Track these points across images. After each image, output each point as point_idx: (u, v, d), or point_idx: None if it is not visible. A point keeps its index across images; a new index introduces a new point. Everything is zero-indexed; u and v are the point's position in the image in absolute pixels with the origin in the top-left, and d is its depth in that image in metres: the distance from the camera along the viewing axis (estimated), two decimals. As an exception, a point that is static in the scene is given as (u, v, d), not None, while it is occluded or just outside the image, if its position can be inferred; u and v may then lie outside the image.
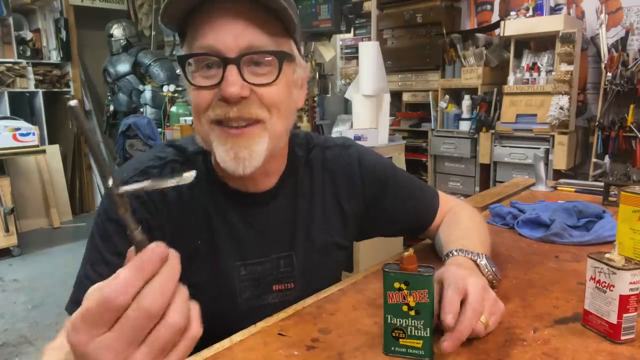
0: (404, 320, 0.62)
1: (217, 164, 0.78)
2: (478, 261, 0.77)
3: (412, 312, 0.61)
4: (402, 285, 0.61)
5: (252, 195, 0.81)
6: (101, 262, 0.72)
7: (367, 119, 2.73)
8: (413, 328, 0.62)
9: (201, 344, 0.59)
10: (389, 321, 0.63)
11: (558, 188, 1.61)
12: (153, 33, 5.72)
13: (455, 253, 0.79)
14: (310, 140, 0.92)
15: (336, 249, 0.90)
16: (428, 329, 0.62)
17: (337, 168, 0.90)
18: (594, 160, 2.94)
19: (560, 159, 2.94)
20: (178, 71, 5.17)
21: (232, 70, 0.68)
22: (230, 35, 0.68)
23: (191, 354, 0.50)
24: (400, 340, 0.63)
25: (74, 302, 0.72)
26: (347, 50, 4.38)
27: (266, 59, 0.70)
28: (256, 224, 0.82)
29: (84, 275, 0.73)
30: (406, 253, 0.62)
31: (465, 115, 3.39)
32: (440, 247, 0.91)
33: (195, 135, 0.81)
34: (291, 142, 0.86)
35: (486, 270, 0.77)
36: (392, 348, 0.63)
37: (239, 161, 0.70)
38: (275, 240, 0.83)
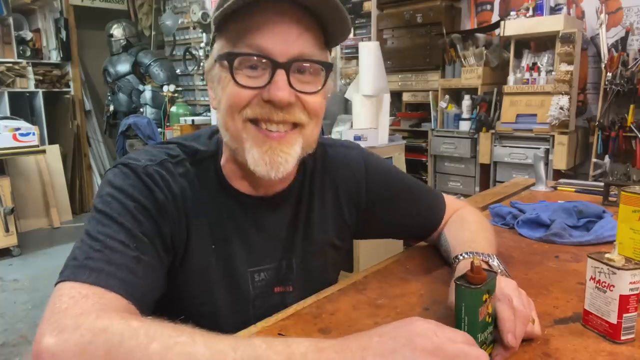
0: (487, 331, 0.59)
1: (227, 166, 0.77)
2: (490, 262, 0.77)
3: (489, 319, 0.59)
4: (486, 296, 0.58)
5: (261, 198, 0.79)
6: (127, 235, 0.65)
7: (367, 119, 2.72)
8: (490, 335, 0.60)
9: None
10: (478, 340, 0.57)
11: (558, 188, 1.61)
12: (153, 33, 5.72)
13: (471, 255, 0.78)
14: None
15: (332, 249, 0.89)
16: (495, 329, 0.60)
17: (339, 167, 0.88)
18: (594, 160, 2.94)
19: (560, 159, 2.94)
20: (178, 71, 5.13)
21: (281, 75, 0.68)
22: (284, 39, 0.67)
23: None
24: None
25: (85, 268, 0.60)
26: (347, 50, 4.38)
27: (313, 68, 0.71)
28: (267, 228, 0.80)
29: (103, 246, 0.62)
30: (475, 262, 0.59)
31: (465, 115, 3.39)
32: (448, 248, 0.90)
33: (204, 133, 0.81)
34: None
35: (499, 270, 0.77)
36: None
37: (274, 165, 0.70)
38: (279, 244, 0.82)
